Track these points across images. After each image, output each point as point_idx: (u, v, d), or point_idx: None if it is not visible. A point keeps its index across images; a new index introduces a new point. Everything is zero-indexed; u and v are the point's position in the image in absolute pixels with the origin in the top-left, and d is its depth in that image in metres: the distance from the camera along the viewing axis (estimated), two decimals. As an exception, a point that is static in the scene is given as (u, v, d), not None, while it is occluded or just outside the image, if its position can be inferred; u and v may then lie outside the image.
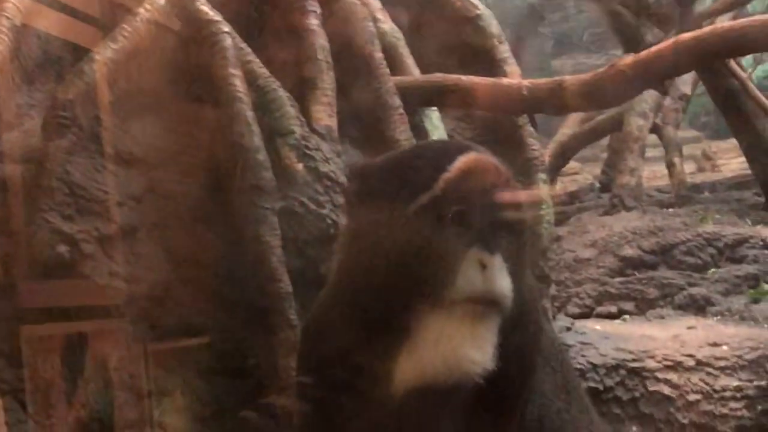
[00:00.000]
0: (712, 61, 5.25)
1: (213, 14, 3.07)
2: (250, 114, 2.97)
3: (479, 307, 1.97)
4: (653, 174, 8.58)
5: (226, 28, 3.08)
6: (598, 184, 8.50)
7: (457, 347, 1.95)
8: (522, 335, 2.06)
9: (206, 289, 2.95)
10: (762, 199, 6.72)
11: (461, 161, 2.05)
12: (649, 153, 7.48)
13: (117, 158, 2.92)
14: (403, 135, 3.56)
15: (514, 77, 3.83)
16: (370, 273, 2.04)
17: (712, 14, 6.62)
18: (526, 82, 3.54)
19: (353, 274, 2.12)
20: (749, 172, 7.18)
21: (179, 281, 2.94)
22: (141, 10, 2.96)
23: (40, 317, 2.78)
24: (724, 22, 3.45)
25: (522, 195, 2.09)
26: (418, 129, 3.72)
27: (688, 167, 8.59)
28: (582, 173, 9.88)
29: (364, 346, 2.04)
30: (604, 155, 8.75)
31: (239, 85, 2.99)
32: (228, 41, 3.05)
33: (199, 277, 2.96)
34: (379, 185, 2.09)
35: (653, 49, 3.25)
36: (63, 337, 2.82)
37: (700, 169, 10.01)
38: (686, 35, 3.19)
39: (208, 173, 3.01)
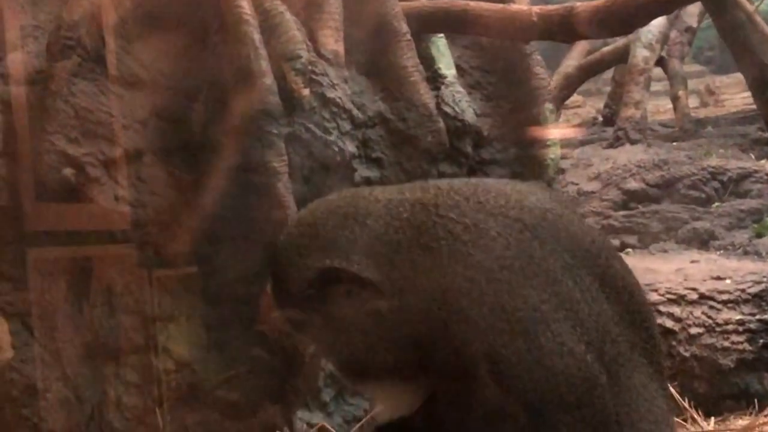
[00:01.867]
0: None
1: (221, -64, 3.01)
2: (257, 37, 2.92)
3: None
4: (657, 108, 8.55)
5: (233, -50, 3.03)
6: (600, 118, 8.46)
7: None
8: None
9: (212, 215, 2.93)
10: (765, 134, 6.69)
11: None
12: (654, 87, 7.44)
13: (122, 81, 2.88)
14: (409, 62, 3.52)
15: (523, 3, 3.77)
16: None
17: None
18: (536, 9, 3.49)
19: None
20: (753, 107, 7.14)
21: (185, 206, 2.92)
22: (148, -67, 2.91)
23: (46, 241, 2.77)
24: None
25: None
26: (425, 56, 3.68)
27: (692, 102, 8.55)
28: (585, 106, 9.86)
29: None
30: (607, 89, 8.70)
31: (246, 8, 2.94)
32: (236, -37, 3.00)
33: (205, 203, 2.94)
34: None
35: (665, -24, 3.20)
36: (69, 261, 2.82)
37: (704, 104, 9.96)
38: (701, -38, 3.14)
39: (215, 97, 2.97)
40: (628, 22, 3.32)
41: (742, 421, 3.32)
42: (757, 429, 3.02)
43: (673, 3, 3.21)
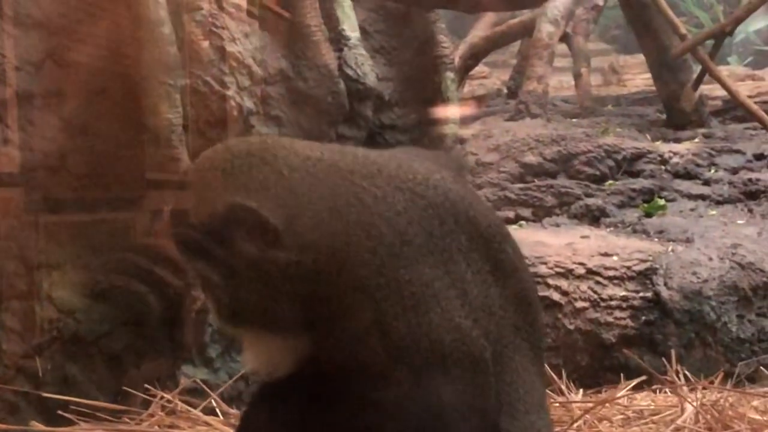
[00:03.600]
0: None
1: None
2: (158, -14, 2.88)
3: None
4: (560, 84, 8.64)
5: None
6: (505, 90, 8.52)
7: None
8: None
9: (102, 163, 2.89)
10: (663, 116, 6.82)
11: None
12: (557, 63, 7.51)
13: (16, 21, 2.81)
14: (313, 21, 3.51)
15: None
16: None
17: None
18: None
19: None
20: (653, 88, 7.27)
21: (75, 152, 2.87)
22: None
23: (-72, 181, 2.71)
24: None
25: None
26: (330, 16, 3.67)
27: (595, 80, 8.66)
28: (490, 78, 9.91)
29: None
30: (514, 61, 8.76)
31: (148, -45, 2.89)
32: None
33: (96, 150, 2.89)
34: None
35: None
36: (-50, 202, 2.76)
37: (607, 83, 10.11)
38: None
39: (110, 44, 2.92)
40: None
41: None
42: (614, 401, 3.10)
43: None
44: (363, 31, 3.85)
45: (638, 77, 9.68)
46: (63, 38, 2.89)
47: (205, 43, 2.97)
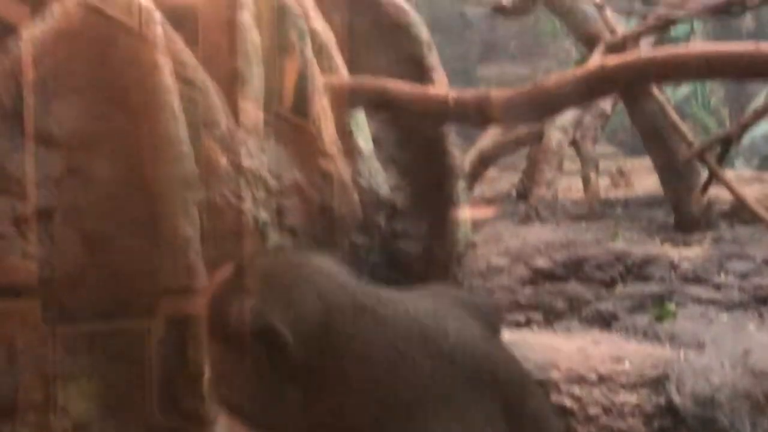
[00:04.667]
0: (638, 85, 5.35)
1: (145, 1, 3.05)
2: (176, 104, 2.96)
3: None
4: (569, 186, 8.70)
5: (158, 15, 3.06)
6: (514, 193, 8.58)
7: None
8: None
9: (121, 277, 2.93)
10: (672, 219, 6.86)
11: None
12: (566, 166, 7.59)
13: (38, 138, 2.88)
14: (328, 133, 3.58)
15: (441, 85, 3.87)
16: None
17: (636, 36, 6.72)
18: (452, 93, 3.58)
19: None
20: (661, 191, 7.32)
21: (94, 266, 2.91)
22: (72, -9, 2.93)
23: (-52, 295, 2.74)
24: (649, 48, 3.53)
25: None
26: (344, 129, 3.75)
27: (603, 182, 8.72)
28: (500, 180, 9.98)
29: None
30: (523, 164, 8.84)
31: (167, 73, 2.98)
32: (159, 29, 3.03)
33: (115, 264, 2.94)
34: None
35: (578, 70, 3.32)
36: (-30, 316, 2.79)
37: (615, 185, 10.16)
38: (612, 61, 3.26)
39: (130, 160, 2.99)
40: (541, 111, 3.43)
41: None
42: None
43: (586, 96, 3.32)
44: (375, 141, 3.93)
45: (646, 180, 9.73)
46: (83, 154, 2.95)
47: (223, 159, 3.04)
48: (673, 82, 5.87)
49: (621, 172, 10.48)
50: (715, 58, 3.01)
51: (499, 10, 6.87)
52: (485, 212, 7.14)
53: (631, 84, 3.95)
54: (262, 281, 2.07)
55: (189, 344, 2.87)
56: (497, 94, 3.39)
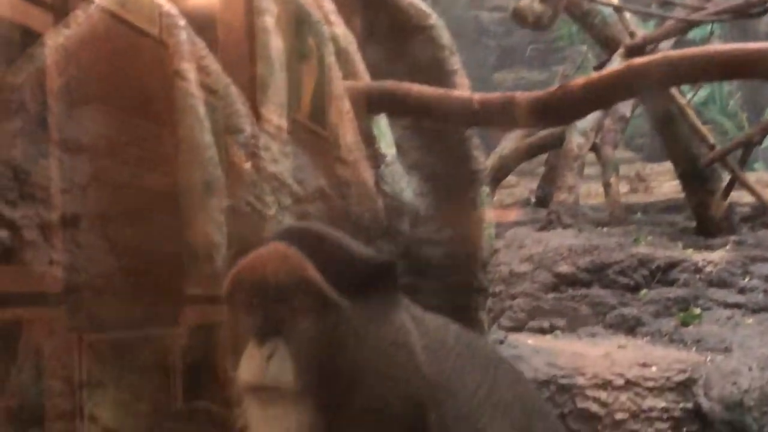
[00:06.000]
0: (662, 87, 5.33)
1: (169, 7, 3.04)
2: (201, 110, 2.94)
3: (263, 394, 2.05)
4: (588, 192, 8.70)
5: (181, 21, 3.05)
6: (533, 199, 8.58)
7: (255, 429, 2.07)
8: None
9: (148, 283, 2.91)
10: (693, 224, 6.83)
11: (250, 256, 2.18)
12: (586, 171, 7.58)
13: (63, 145, 2.86)
14: (351, 140, 3.56)
15: (463, 89, 3.85)
16: None
17: (656, 39, 6.71)
18: (477, 96, 3.57)
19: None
20: (681, 196, 7.30)
21: (121, 273, 2.90)
22: (96, -2, 2.92)
23: (-26, 302, 2.73)
24: (670, 50, 3.51)
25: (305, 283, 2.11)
26: (367, 134, 3.73)
27: (622, 187, 8.72)
28: (519, 186, 9.98)
29: None
30: (541, 170, 8.83)
31: (191, 80, 2.97)
32: (182, 35, 3.03)
33: (141, 270, 2.92)
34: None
35: (604, 72, 3.30)
36: (-2, 324, 2.78)
37: (634, 190, 10.16)
38: (638, 61, 3.23)
39: (156, 166, 2.98)
40: (566, 114, 3.41)
41: None
42: None
43: (607, 100, 3.30)
44: (399, 147, 3.91)
45: (665, 184, 9.73)
46: (108, 160, 2.94)
47: (248, 165, 3.03)
48: (700, 82, 5.83)
49: (640, 177, 10.48)
50: (743, 56, 2.99)
51: (520, 22, 6.86)
52: (506, 216, 7.14)
53: (658, 84, 3.92)
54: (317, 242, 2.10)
55: (218, 352, 2.86)
56: (523, 96, 3.37)
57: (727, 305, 5.24)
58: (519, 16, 6.80)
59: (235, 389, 2.13)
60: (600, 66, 6.63)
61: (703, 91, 10.88)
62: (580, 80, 3.29)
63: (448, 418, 2.06)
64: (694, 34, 8.25)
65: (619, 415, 4.05)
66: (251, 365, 2.05)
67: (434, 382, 2.08)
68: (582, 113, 3.84)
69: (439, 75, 4.03)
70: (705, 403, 4.02)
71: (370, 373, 2.05)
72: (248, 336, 2.08)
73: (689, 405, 4.04)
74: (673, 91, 6.62)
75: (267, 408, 2.04)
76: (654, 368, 4.21)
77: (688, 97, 7.23)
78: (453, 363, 2.14)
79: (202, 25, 3.28)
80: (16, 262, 2.75)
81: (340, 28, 3.85)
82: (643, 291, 5.38)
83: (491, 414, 2.16)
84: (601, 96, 3.22)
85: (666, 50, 5.78)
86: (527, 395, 2.37)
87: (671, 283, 5.46)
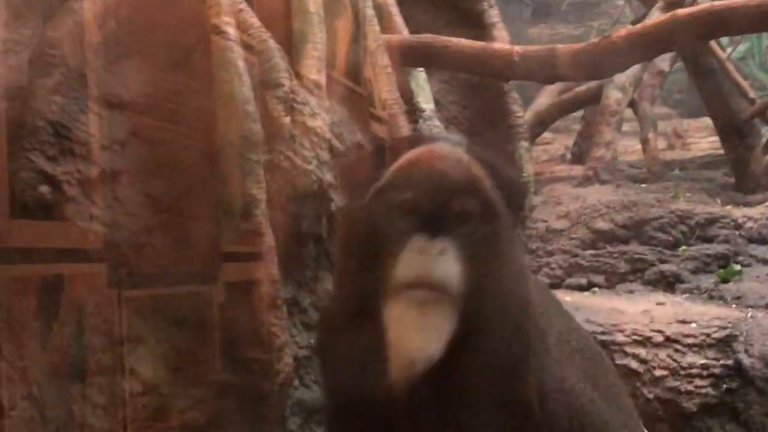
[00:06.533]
0: (707, 38, 5.26)
1: (207, -39, 3.02)
2: (241, 64, 2.92)
3: (424, 293, 1.98)
4: (626, 148, 8.62)
5: (220, -25, 3.03)
6: (569, 156, 8.52)
7: (404, 333, 1.98)
8: (505, 330, 2.08)
9: (187, 239, 2.92)
10: (731, 180, 6.76)
11: (412, 153, 2.11)
12: (623, 127, 7.52)
13: (103, 101, 2.86)
14: (390, 94, 3.54)
15: (503, 42, 3.81)
16: (346, 260, 2.24)
17: (696, -8, 6.61)
18: (518, 48, 3.53)
19: (339, 261, 2.35)
20: (719, 152, 7.23)
21: (160, 229, 2.90)
22: (134, -48, 2.90)
23: (17, 257, 2.73)
24: (716, 1, 3.45)
25: (478, 184, 2.07)
26: (405, 89, 3.70)
27: (660, 144, 8.64)
28: (554, 143, 9.91)
29: (359, 335, 2.09)
30: (576, 126, 8.76)
31: (231, 33, 2.94)
32: (221, -11, 3.00)
33: (181, 226, 2.92)
34: (354, 177, 2.27)
35: (648, 22, 3.24)
36: (39, 279, 2.78)
37: (671, 147, 10.06)
38: (683, 11, 3.18)
39: (195, 122, 2.97)
40: (608, 66, 3.37)
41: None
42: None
43: (651, 51, 3.25)
44: (437, 102, 3.89)
45: (702, 141, 9.63)
46: (147, 116, 2.93)
47: (287, 119, 3.01)
48: (744, 33, 5.74)
49: (677, 134, 10.37)
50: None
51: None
52: (546, 169, 7.10)
53: (702, 36, 3.85)
54: None
55: (258, 306, 2.86)
56: (564, 49, 3.33)
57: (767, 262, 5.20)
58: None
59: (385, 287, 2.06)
60: (638, 20, 6.52)
61: (742, 46, 10.73)
62: (622, 31, 3.24)
63: (540, 352, 2.12)
64: (734, -13, 8.11)
65: (658, 372, 4.03)
66: (418, 260, 1.99)
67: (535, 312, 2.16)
68: (625, 66, 3.78)
69: (478, 28, 3.99)
70: (745, 360, 3.99)
71: (508, 286, 2.08)
72: (410, 233, 2.02)
73: (729, 362, 4.01)
74: (713, 44, 6.53)
75: (423, 308, 1.99)
76: (693, 325, 4.18)
77: (727, 51, 7.12)
78: (542, 299, 2.23)
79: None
80: (56, 218, 2.76)
81: (377, -18, 3.82)
82: (682, 247, 5.33)
83: (568, 356, 2.26)
84: (644, 48, 3.17)
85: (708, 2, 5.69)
86: (586, 341, 2.46)
87: (710, 239, 5.40)
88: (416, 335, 1.96)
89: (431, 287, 1.98)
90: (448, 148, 2.11)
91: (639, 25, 3.25)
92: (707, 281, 4.98)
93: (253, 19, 3.10)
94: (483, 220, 2.04)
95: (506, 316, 2.07)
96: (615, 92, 6.81)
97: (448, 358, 1.96)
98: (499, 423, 2.03)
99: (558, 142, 10.00)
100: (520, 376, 2.06)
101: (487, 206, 2.03)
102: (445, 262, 1.98)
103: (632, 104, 7.40)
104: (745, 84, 6.76)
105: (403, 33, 3.77)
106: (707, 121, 7.71)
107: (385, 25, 3.73)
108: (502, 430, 2.04)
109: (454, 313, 1.98)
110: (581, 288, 5.09)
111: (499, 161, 2.16)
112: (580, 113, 8.34)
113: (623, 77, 6.75)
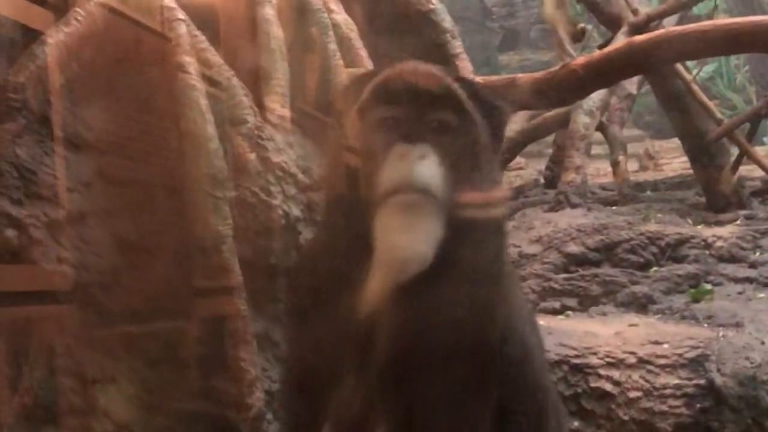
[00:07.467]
0: (665, 64, 5.31)
1: (169, 1, 3.04)
2: (203, 102, 2.95)
3: (408, 196, 2.04)
4: (597, 171, 8.68)
5: (181, 15, 3.06)
6: (542, 180, 8.56)
7: (392, 236, 2.04)
8: (480, 246, 2.10)
9: (155, 278, 2.92)
10: (702, 199, 6.81)
11: (392, 69, 2.21)
12: (594, 150, 7.56)
13: (67, 143, 2.87)
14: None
15: (466, 73, 3.85)
16: (335, 176, 2.33)
17: (660, 16, 6.69)
18: (479, 79, 3.56)
19: (328, 178, 2.43)
20: (690, 171, 7.27)
21: (128, 268, 2.91)
22: (95, -6, 2.92)
23: (-15, 302, 2.74)
24: (674, 26, 3.49)
25: (456, 96, 2.16)
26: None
27: (631, 165, 8.70)
28: (527, 168, 9.97)
29: (345, 255, 2.13)
30: (549, 151, 8.81)
31: (193, 72, 2.97)
32: (183, 28, 3.03)
33: (149, 265, 2.93)
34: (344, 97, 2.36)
35: (606, 50, 3.28)
36: (9, 323, 2.79)
37: (643, 168, 10.14)
38: (639, 38, 3.23)
39: (160, 160, 2.98)
40: (568, 93, 3.40)
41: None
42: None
43: (613, 77, 3.29)
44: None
45: (674, 161, 9.70)
46: (112, 157, 2.95)
47: (252, 155, 3.03)
48: (701, 57, 5.81)
49: (649, 155, 10.45)
50: (743, 31, 2.98)
51: None
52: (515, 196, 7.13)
53: (661, 61, 3.90)
54: None
55: (228, 342, 2.87)
56: (524, 78, 3.37)
57: (738, 280, 5.21)
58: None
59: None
60: (604, 45, 6.59)
61: (710, 66, 10.84)
62: (581, 59, 3.28)
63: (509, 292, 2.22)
64: (698, 9, 8.21)
65: (632, 394, 4.04)
66: (401, 166, 2.06)
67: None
68: (585, 92, 3.83)
69: (442, 59, 4.02)
70: (718, 379, 4.01)
71: (485, 200, 2.15)
72: (392, 143, 2.09)
73: (702, 381, 4.02)
74: (679, 66, 6.60)
75: (409, 210, 2.04)
76: (666, 345, 4.19)
77: (694, 72, 7.19)
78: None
79: (204, 17, 3.28)
80: (24, 261, 2.76)
81: (340, 16, 3.86)
82: (654, 268, 5.36)
83: (535, 340, 2.34)
84: (603, 74, 3.21)
85: (669, 27, 5.76)
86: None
87: (681, 259, 5.43)
88: (404, 236, 2.01)
89: (414, 190, 2.04)
90: (422, 64, 2.20)
91: (597, 53, 3.29)
92: (679, 301, 5.00)
93: (216, 57, 3.13)
94: (461, 131, 2.13)
95: (484, 234, 2.12)
96: (583, 117, 6.87)
97: (425, 282, 2.00)
98: (462, 351, 2.07)
99: (531, 167, 10.05)
100: (492, 308, 2.11)
101: (464, 118, 2.12)
102: (425, 166, 2.05)
103: (601, 128, 7.45)
104: (711, 105, 6.83)
105: (367, 66, 3.80)
106: (678, 141, 7.77)
107: (350, 59, 3.76)
108: (463, 360, 2.07)
109: (439, 217, 2.03)
110: (555, 312, 5.11)
111: (479, 84, 2.25)
112: (552, 138, 8.41)
113: (590, 101, 6.80)
